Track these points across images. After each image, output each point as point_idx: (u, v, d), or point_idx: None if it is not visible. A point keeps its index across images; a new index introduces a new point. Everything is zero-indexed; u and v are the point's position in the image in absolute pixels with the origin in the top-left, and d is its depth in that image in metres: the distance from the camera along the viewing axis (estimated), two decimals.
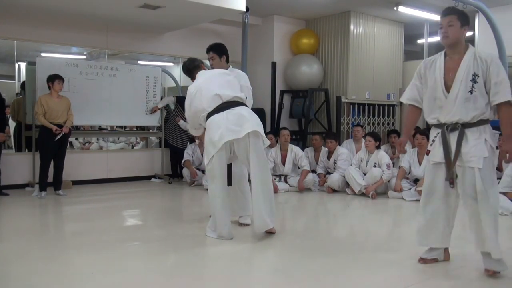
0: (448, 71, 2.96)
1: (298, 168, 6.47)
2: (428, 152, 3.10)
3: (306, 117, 7.77)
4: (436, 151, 3.00)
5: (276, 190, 6.17)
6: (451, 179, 2.95)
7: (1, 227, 4.41)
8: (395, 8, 7.23)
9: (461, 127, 2.89)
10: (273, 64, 8.13)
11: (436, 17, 7.75)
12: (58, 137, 5.63)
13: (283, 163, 6.45)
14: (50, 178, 5.81)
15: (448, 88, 2.93)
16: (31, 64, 6.32)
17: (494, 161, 2.98)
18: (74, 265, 3.13)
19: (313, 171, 6.60)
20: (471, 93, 2.86)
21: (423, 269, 3.03)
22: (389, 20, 8.27)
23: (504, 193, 5.08)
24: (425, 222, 3.09)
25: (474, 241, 2.92)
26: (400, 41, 8.55)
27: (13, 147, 6.81)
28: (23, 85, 6.50)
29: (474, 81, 2.86)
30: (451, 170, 2.94)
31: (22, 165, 6.32)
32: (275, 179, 6.36)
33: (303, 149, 6.82)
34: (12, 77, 6.85)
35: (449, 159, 2.92)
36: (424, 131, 5.72)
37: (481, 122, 2.89)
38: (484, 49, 7.44)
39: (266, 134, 4.46)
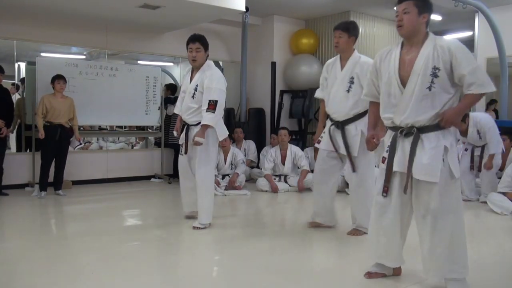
0: (404, 64, 2.58)
1: (298, 168, 6.47)
2: (383, 160, 2.67)
3: (306, 117, 7.77)
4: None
5: (276, 190, 6.20)
6: (386, 188, 2.63)
7: (1, 227, 4.41)
8: (395, 8, 7.20)
9: (417, 132, 2.51)
10: (273, 64, 8.13)
11: (437, 17, 7.75)
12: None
13: (283, 163, 6.45)
14: (51, 178, 5.81)
15: (404, 83, 2.55)
16: (31, 64, 6.32)
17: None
18: (74, 265, 3.12)
19: (313, 171, 6.59)
20: (430, 89, 2.47)
21: (422, 269, 3.02)
22: (389, 20, 8.26)
23: (504, 193, 5.08)
24: (379, 236, 2.73)
25: (422, 263, 2.67)
26: (400, 41, 8.52)
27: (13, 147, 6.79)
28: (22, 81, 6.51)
29: (434, 75, 2.46)
30: (388, 180, 2.62)
31: (22, 165, 6.31)
32: (274, 179, 6.37)
33: (303, 149, 6.83)
34: (12, 77, 6.83)
35: (391, 166, 2.60)
36: None
37: (439, 126, 2.50)
38: (484, 49, 7.61)
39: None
